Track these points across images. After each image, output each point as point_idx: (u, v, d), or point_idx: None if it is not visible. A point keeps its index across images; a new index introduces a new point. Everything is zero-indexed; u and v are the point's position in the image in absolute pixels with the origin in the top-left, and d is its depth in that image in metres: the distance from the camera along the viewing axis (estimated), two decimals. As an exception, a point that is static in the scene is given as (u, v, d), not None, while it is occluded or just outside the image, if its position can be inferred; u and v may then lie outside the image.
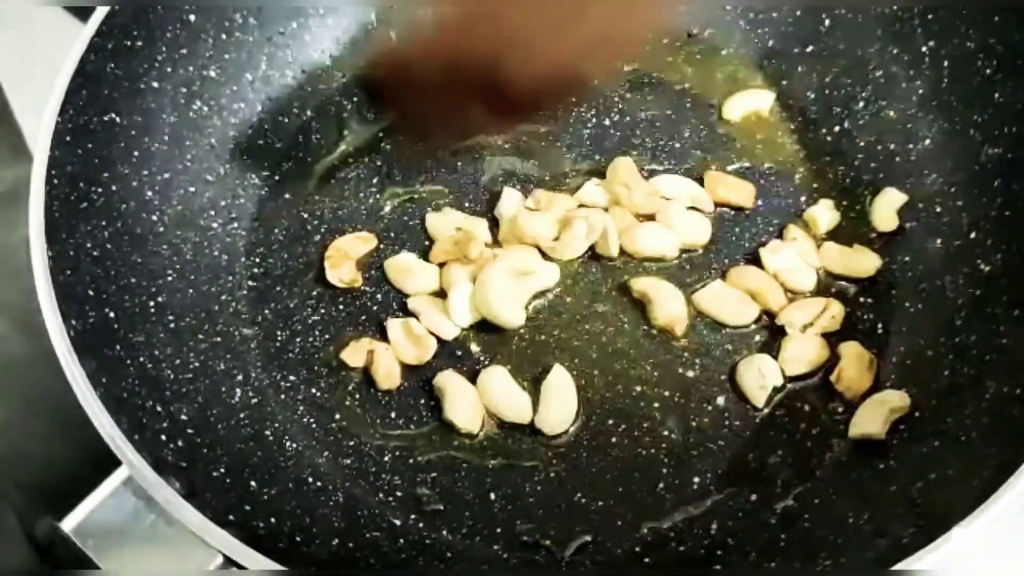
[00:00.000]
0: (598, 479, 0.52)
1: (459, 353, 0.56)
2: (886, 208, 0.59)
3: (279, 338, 0.57)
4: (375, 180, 0.63)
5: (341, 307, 0.58)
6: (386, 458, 0.53)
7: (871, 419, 0.51)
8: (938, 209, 0.58)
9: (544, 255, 0.59)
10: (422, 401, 0.55)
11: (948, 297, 0.55)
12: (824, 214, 0.60)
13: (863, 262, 0.58)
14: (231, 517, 0.44)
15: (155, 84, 0.57)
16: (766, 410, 0.54)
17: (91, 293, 0.49)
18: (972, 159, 0.57)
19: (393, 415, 0.55)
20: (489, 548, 0.51)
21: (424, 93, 0.52)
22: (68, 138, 0.51)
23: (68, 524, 0.41)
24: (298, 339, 0.57)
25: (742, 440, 0.53)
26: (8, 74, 0.77)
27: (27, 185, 0.49)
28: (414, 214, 0.61)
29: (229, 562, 0.41)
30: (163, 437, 0.47)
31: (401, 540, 0.51)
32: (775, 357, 0.55)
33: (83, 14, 0.76)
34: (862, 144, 0.62)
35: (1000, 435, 0.47)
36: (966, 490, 0.43)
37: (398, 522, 0.51)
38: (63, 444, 0.55)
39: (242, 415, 0.53)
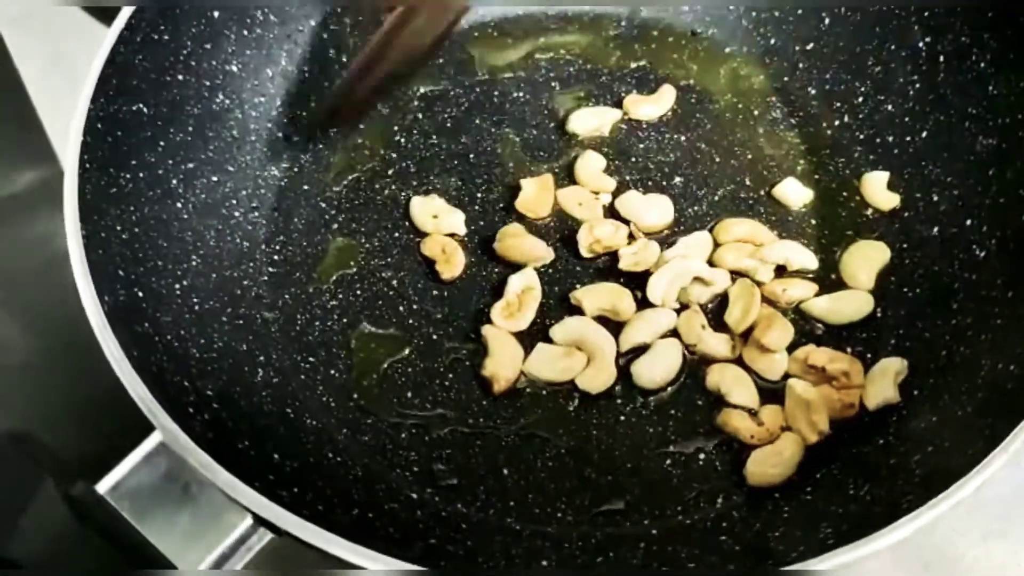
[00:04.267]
0: (606, 455, 0.54)
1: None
2: (876, 189, 0.61)
3: (299, 321, 0.59)
4: (390, 172, 0.65)
5: (359, 292, 0.60)
6: (403, 435, 0.55)
7: (883, 386, 0.53)
8: (935, 198, 0.60)
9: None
10: (437, 382, 0.57)
11: (945, 282, 0.57)
12: (794, 189, 0.62)
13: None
14: (256, 484, 0.45)
15: (180, 77, 0.60)
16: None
17: (121, 273, 0.51)
18: (967, 150, 0.59)
19: (409, 394, 0.57)
20: (503, 520, 0.53)
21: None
22: (99, 125, 0.53)
23: (103, 486, 0.43)
24: (317, 323, 0.59)
25: (746, 418, 0.55)
26: (34, 79, 0.80)
27: (51, 185, 0.51)
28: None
29: (258, 522, 0.43)
30: (190, 410, 0.49)
31: (418, 512, 0.52)
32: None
33: (107, 18, 0.79)
34: (861, 137, 0.64)
35: (994, 409, 0.48)
36: (961, 459, 0.45)
37: (415, 495, 0.53)
38: (93, 422, 0.57)
39: (264, 393, 0.55)
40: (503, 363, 0.56)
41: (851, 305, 0.58)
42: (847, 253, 0.60)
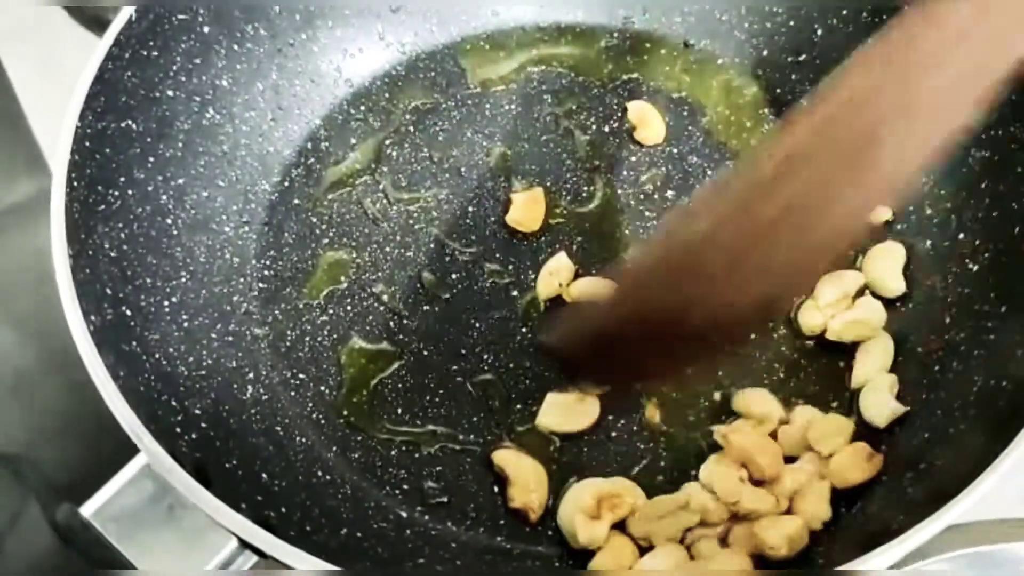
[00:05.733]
0: (596, 472, 0.54)
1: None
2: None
3: (289, 337, 0.59)
4: (382, 186, 0.65)
5: (349, 307, 0.60)
6: (392, 453, 0.55)
7: (884, 401, 0.53)
8: (928, 211, 0.60)
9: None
10: (427, 398, 0.57)
11: (938, 296, 0.57)
12: None
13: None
14: (243, 506, 0.45)
15: (170, 92, 0.60)
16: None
17: (108, 292, 0.51)
18: (960, 162, 0.59)
19: (399, 411, 0.56)
20: (493, 539, 0.52)
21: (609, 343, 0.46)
22: (87, 143, 0.53)
23: (88, 509, 0.43)
24: (307, 338, 0.59)
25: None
26: (26, 89, 0.80)
27: (44, 197, 0.51)
28: (420, 218, 0.63)
29: (243, 545, 0.43)
30: (177, 430, 0.49)
31: (407, 531, 0.52)
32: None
33: (99, 29, 0.79)
34: (854, 149, 0.64)
35: (987, 426, 0.48)
36: (954, 478, 0.45)
37: (404, 514, 0.53)
38: (82, 439, 0.57)
39: (253, 411, 0.55)
40: (528, 488, 0.52)
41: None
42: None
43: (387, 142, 0.67)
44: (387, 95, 0.68)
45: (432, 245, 0.62)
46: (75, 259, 0.49)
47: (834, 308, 0.57)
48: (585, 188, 0.64)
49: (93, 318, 0.47)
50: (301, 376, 0.58)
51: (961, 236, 0.57)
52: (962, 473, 0.44)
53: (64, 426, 0.60)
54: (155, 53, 0.58)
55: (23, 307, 0.70)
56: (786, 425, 0.54)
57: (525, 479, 0.53)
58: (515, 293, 0.60)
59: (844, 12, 0.65)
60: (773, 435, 0.53)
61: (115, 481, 0.43)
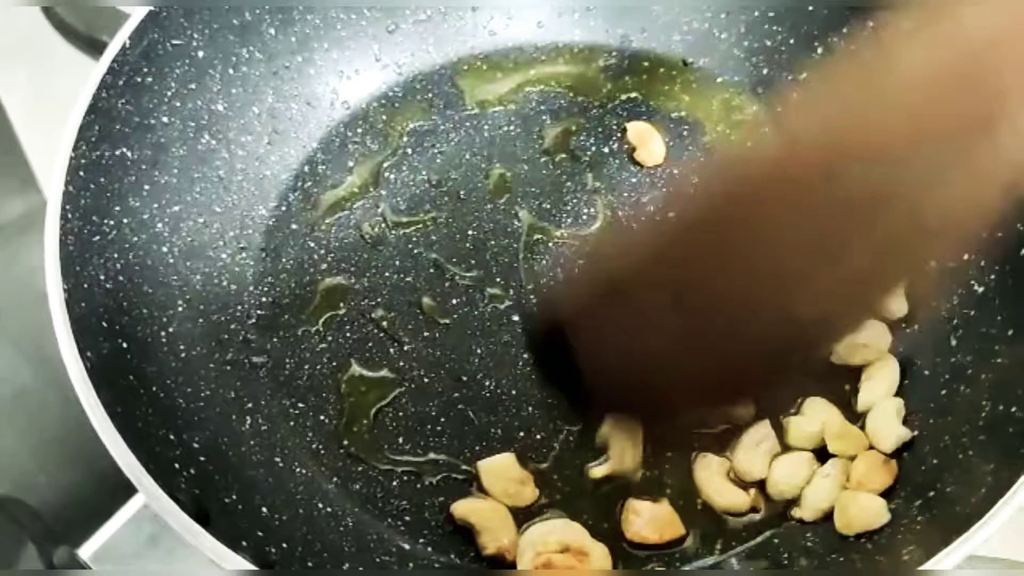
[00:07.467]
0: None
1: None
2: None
3: (288, 366, 0.58)
4: (380, 209, 0.64)
5: (348, 334, 0.59)
6: (394, 483, 0.54)
7: (892, 426, 0.53)
8: (932, 231, 0.59)
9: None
10: (428, 426, 0.56)
11: (943, 318, 0.56)
12: None
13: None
14: (244, 543, 0.44)
15: (164, 119, 0.59)
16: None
17: (104, 325, 0.51)
18: (964, 182, 0.58)
19: (401, 440, 0.56)
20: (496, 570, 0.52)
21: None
22: (81, 173, 0.52)
23: (86, 552, 0.42)
24: (306, 366, 0.58)
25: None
26: (18, 109, 0.79)
27: (36, 216, 0.51)
28: (419, 242, 0.63)
29: (244, 587, 0.42)
30: (176, 465, 0.48)
31: (410, 564, 0.51)
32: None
33: (95, 50, 0.78)
34: (856, 168, 0.63)
35: (997, 452, 0.48)
36: (964, 507, 0.44)
37: (407, 546, 0.52)
38: (77, 473, 0.56)
39: (252, 442, 0.54)
40: (497, 532, 0.51)
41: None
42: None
43: (385, 164, 0.66)
44: (384, 117, 0.68)
45: (432, 269, 0.62)
46: (70, 294, 0.48)
47: (839, 331, 0.56)
48: (585, 210, 0.63)
49: (89, 355, 0.47)
50: (300, 405, 0.57)
51: (966, 257, 0.57)
52: (973, 500, 0.44)
53: (63, 452, 0.60)
54: (149, 79, 0.58)
55: (16, 327, 0.69)
56: (797, 417, 0.55)
57: (491, 524, 0.52)
58: (516, 317, 0.60)
59: (844, 30, 0.64)
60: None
61: (113, 522, 0.43)
